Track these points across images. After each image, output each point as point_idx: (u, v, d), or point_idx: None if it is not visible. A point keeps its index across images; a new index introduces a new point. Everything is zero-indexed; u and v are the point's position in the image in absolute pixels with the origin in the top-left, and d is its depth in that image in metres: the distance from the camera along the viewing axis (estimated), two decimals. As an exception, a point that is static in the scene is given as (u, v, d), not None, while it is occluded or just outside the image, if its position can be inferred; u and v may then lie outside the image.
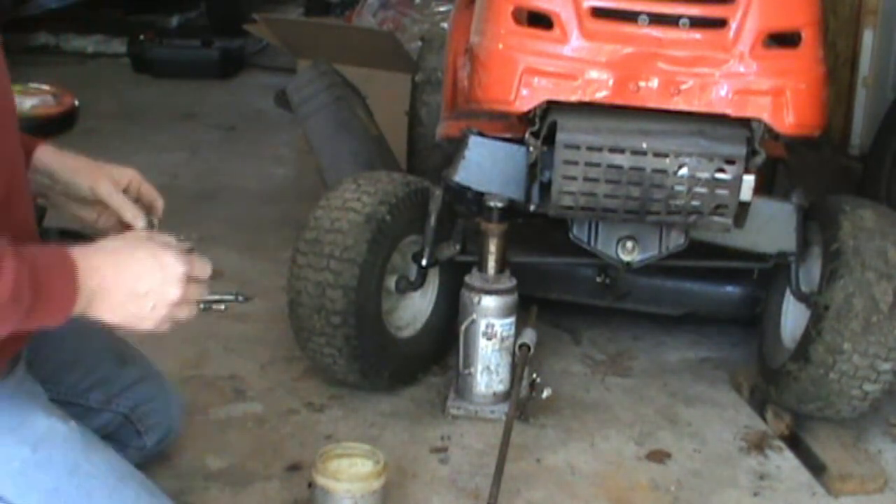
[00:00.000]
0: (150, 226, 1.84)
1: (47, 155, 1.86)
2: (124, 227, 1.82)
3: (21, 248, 1.44)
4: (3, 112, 1.62)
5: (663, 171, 2.41)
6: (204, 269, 1.63)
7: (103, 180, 1.83)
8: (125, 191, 1.85)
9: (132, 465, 1.79)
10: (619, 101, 2.46)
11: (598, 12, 2.45)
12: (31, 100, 3.32)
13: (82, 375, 2.01)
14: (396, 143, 3.76)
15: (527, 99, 2.48)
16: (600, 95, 2.46)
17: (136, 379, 2.10)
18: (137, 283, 1.54)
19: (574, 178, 2.44)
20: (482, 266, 2.67)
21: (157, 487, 1.79)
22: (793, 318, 2.72)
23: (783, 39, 2.50)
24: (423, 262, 2.73)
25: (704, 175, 2.41)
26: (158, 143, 4.86)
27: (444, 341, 2.87)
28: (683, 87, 2.44)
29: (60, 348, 1.93)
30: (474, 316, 2.63)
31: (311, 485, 2.22)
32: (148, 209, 1.86)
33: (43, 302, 1.46)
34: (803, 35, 2.47)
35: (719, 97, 2.44)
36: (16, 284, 1.41)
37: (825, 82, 2.52)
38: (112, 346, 2.09)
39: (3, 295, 1.40)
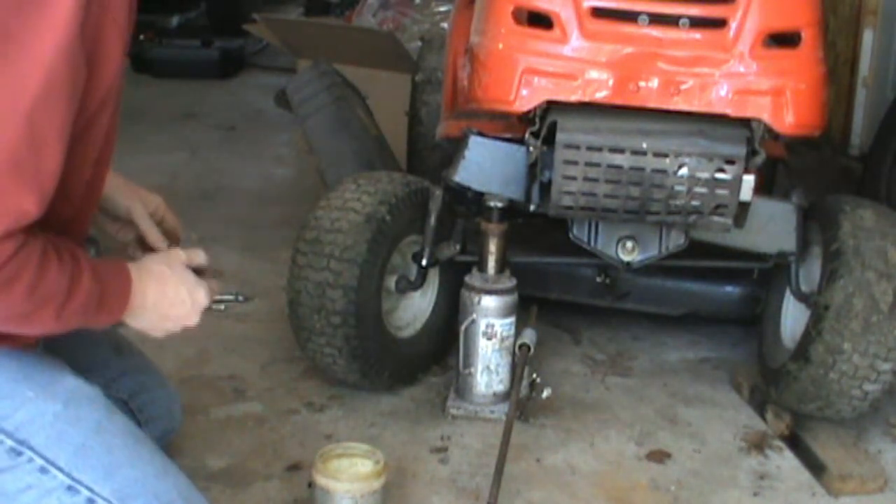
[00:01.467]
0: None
1: None
2: (142, 244, 1.98)
3: (94, 263, 1.66)
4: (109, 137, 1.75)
5: (663, 171, 2.41)
6: (215, 293, 1.89)
7: (138, 203, 1.98)
8: (151, 214, 2.00)
9: None
10: (619, 101, 2.46)
11: (598, 12, 2.45)
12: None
13: (81, 357, 2.02)
14: (396, 143, 3.77)
15: (527, 99, 2.48)
16: (600, 95, 2.46)
17: (132, 367, 2.14)
18: (171, 310, 1.80)
19: (574, 178, 2.44)
20: (482, 266, 2.67)
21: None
22: (793, 318, 2.72)
23: (783, 39, 2.50)
24: (423, 262, 2.73)
25: (704, 175, 2.41)
26: (158, 143, 4.86)
27: (444, 341, 2.87)
28: (683, 87, 2.44)
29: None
30: (474, 316, 2.63)
31: (311, 485, 2.22)
32: (169, 235, 2.00)
33: (101, 312, 1.68)
34: (803, 35, 2.47)
35: (719, 97, 2.44)
36: (87, 299, 1.63)
37: (825, 82, 2.52)
38: (108, 334, 2.16)
39: (74, 307, 1.61)
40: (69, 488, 1.68)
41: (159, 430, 2.16)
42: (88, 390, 1.77)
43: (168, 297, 1.79)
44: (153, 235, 1.97)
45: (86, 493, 1.69)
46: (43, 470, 1.68)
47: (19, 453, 1.67)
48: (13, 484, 1.68)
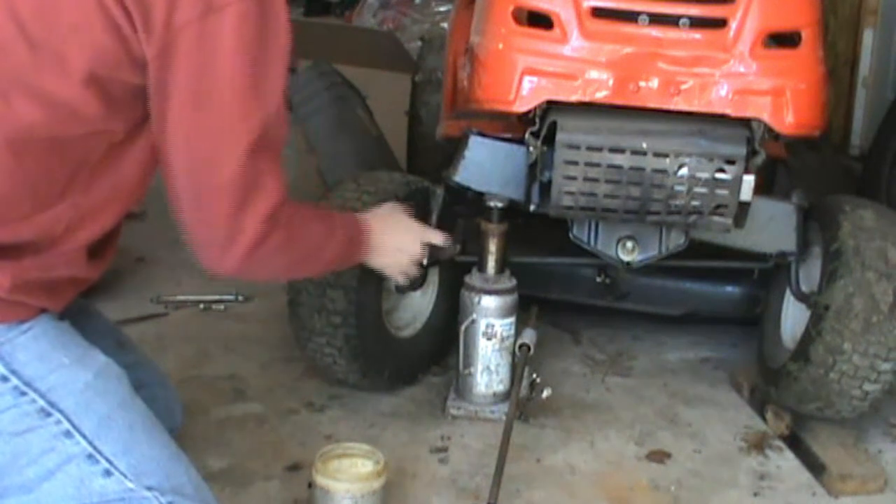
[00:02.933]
0: None
1: None
2: None
3: (343, 219, 2.16)
4: None
5: (663, 171, 2.41)
6: (437, 237, 2.48)
7: None
8: None
9: None
10: (619, 101, 2.46)
11: (598, 12, 2.45)
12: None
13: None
14: (396, 143, 3.77)
15: (527, 99, 2.48)
16: (600, 95, 2.46)
17: (133, 363, 2.13)
18: (401, 242, 2.33)
19: (574, 178, 2.44)
20: (482, 266, 2.67)
21: None
22: (793, 318, 2.72)
23: (783, 39, 2.50)
24: (424, 262, 2.72)
25: (704, 175, 2.41)
26: (158, 143, 4.85)
27: (444, 341, 2.87)
28: (683, 87, 2.44)
29: (67, 315, 1.98)
30: (474, 316, 2.63)
31: (311, 485, 2.22)
32: None
33: (355, 253, 2.17)
34: (803, 35, 2.47)
35: (719, 97, 2.44)
36: (344, 238, 2.10)
37: (825, 82, 2.52)
38: (111, 329, 2.21)
39: (336, 252, 2.08)
40: (89, 456, 1.72)
41: None
42: (117, 368, 1.83)
43: (397, 232, 2.30)
44: None
45: (104, 463, 1.72)
46: (68, 434, 1.71)
47: (48, 414, 1.71)
48: (38, 444, 1.71)
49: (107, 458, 1.72)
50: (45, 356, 1.74)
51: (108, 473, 1.72)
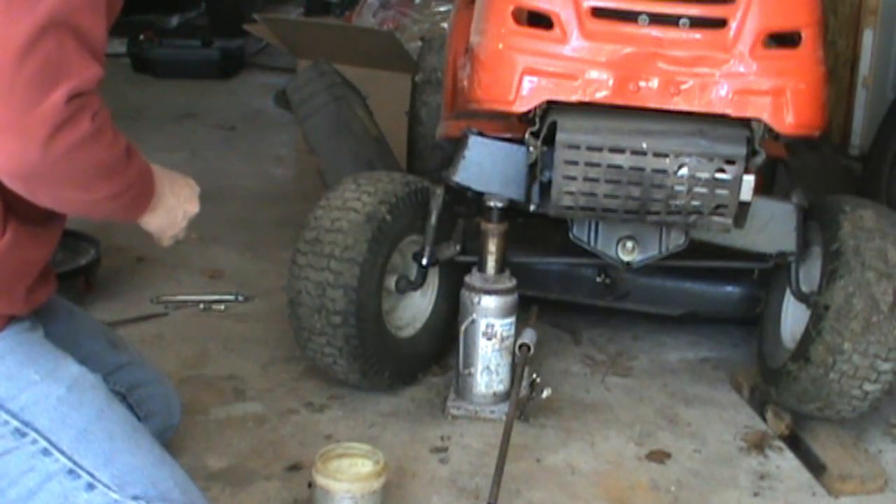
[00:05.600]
0: None
1: None
2: None
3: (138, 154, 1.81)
4: None
5: (663, 171, 2.41)
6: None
7: None
8: None
9: None
10: (619, 101, 2.46)
11: (598, 12, 2.45)
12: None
13: (76, 350, 2.02)
14: (396, 143, 3.76)
15: (527, 99, 2.48)
16: (600, 95, 2.46)
17: (128, 362, 2.14)
18: (180, 194, 1.95)
19: (574, 178, 2.44)
20: (482, 266, 2.67)
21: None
22: (793, 318, 2.72)
23: (783, 39, 2.50)
24: (424, 262, 2.73)
25: (704, 175, 2.41)
26: (158, 143, 4.85)
27: (444, 341, 2.87)
28: (683, 87, 2.44)
29: (55, 320, 1.98)
30: (474, 316, 2.63)
31: (311, 485, 2.22)
32: None
33: (142, 195, 1.82)
34: (803, 35, 2.47)
35: (719, 97, 2.44)
36: (139, 173, 1.78)
37: (825, 82, 2.52)
38: (103, 330, 2.18)
39: (131, 176, 1.75)
40: (70, 472, 1.70)
41: (158, 426, 2.16)
42: (91, 377, 1.80)
43: (177, 185, 1.95)
44: None
45: (86, 477, 1.71)
46: (46, 452, 1.70)
47: (24, 434, 1.69)
48: (16, 466, 1.70)
49: (88, 472, 1.71)
50: (14, 375, 1.72)
51: (91, 487, 1.71)
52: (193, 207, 1.99)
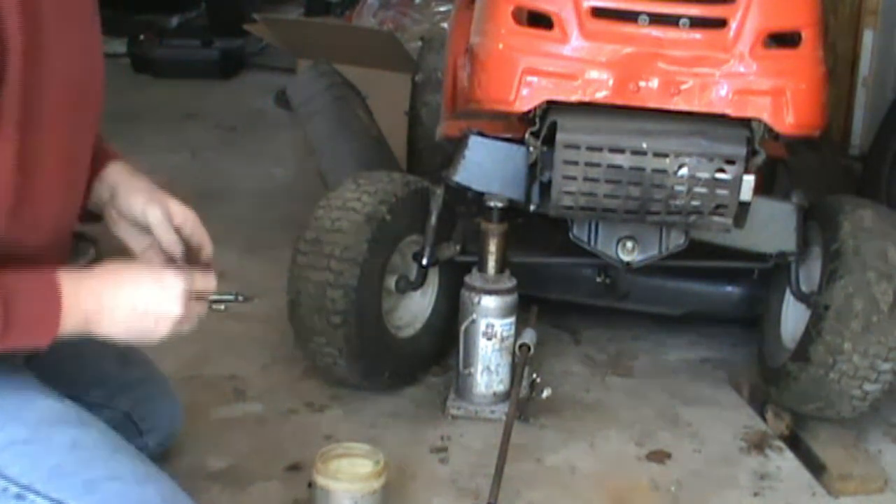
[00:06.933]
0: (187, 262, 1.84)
1: (117, 170, 1.88)
2: (161, 255, 1.85)
3: (2, 276, 1.52)
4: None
5: (663, 171, 2.41)
6: (208, 282, 1.73)
7: (156, 206, 1.84)
8: (178, 228, 1.85)
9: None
10: (619, 101, 2.46)
11: (598, 12, 2.45)
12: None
13: (83, 370, 2.01)
14: (396, 143, 3.76)
15: (527, 99, 2.48)
16: (600, 95, 2.46)
17: (137, 379, 2.11)
18: (138, 302, 1.64)
19: (574, 178, 2.44)
20: (482, 266, 2.67)
21: (147, 457, 1.81)
22: (793, 318, 2.72)
23: (783, 39, 2.50)
24: (424, 262, 2.73)
25: (704, 175, 2.41)
26: (158, 143, 4.85)
27: (444, 341, 2.87)
28: (683, 87, 2.44)
29: (61, 341, 1.93)
30: (474, 316, 2.63)
31: (311, 485, 2.22)
32: (194, 251, 1.86)
33: (16, 327, 1.53)
34: (803, 35, 2.47)
35: (719, 97, 2.44)
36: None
37: (825, 82, 2.52)
38: (114, 344, 2.04)
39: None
40: None
41: (160, 438, 2.15)
42: (59, 407, 1.71)
43: (129, 288, 1.64)
44: (165, 238, 1.83)
45: None
46: (20, 497, 1.63)
47: None
48: None
49: None
50: None
51: None
52: (173, 308, 1.66)
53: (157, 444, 2.16)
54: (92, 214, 1.89)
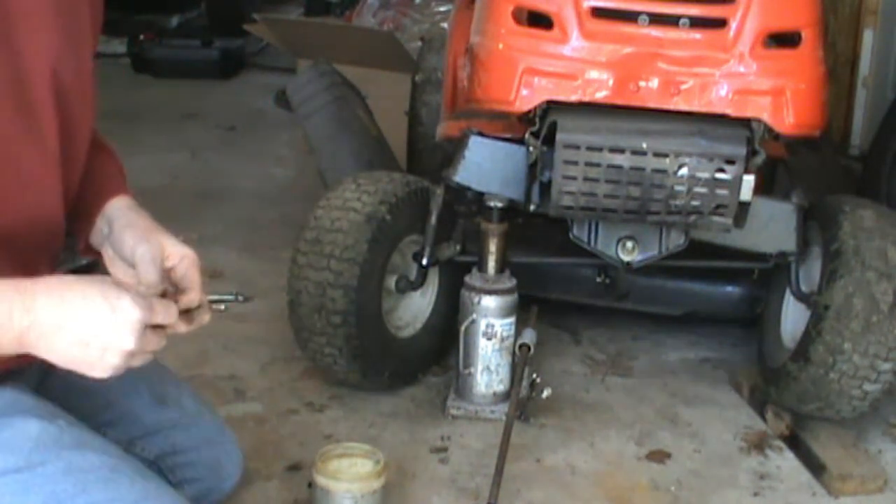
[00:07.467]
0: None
1: (118, 205, 1.77)
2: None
3: None
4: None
5: (663, 171, 2.41)
6: (168, 314, 1.48)
7: (146, 243, 1.67)
8: (172, 268, 1.68)
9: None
10: (619, 101, 2.46)
11: (598, 12, 2.45)
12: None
13: (101, 406, 1.86)
14: (396, 143, 3.76)
15: (527, 99, 2.48)
16: (600, 95, 2.46)
17: (169, 424, 1.90)
18: (84, 327, 1.39)
19: (574, 178, 2.44)
20: (482, 266, 2.67)
21: (150, 471, 1.73)
22: (793, 318, 2.72)
23: (783, 39, 2.50)
24: (424, 262, 2.73)
25: (704, 175, 2.41)
26: (158, 143, 4.86)
27: (444, 341, 2.87)
28: (683, 87, 2.44)
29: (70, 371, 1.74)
30: (474, 316, 2.63)
31: (311, 485, 2.22)
32: (180, 291, 1.67)
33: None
34: (803, 35, 2.47)
35: (719, 97, 2.44)
36: None
37: (825, 82, 2.52)
38: (152, 380, 1.90)
39: None
40: None
41: (198, 490, 1.93)
42: (52, 430, 1.60)
43: (76, 311, 1.39)
44: (147, 277, 1.62)
45: None
46: None
47: None
48: None
49: None
50: None
51: None
52: (121, 340, 1.40)
53: (192, 497, 1.89)
54: (93, 249, 1.80)
